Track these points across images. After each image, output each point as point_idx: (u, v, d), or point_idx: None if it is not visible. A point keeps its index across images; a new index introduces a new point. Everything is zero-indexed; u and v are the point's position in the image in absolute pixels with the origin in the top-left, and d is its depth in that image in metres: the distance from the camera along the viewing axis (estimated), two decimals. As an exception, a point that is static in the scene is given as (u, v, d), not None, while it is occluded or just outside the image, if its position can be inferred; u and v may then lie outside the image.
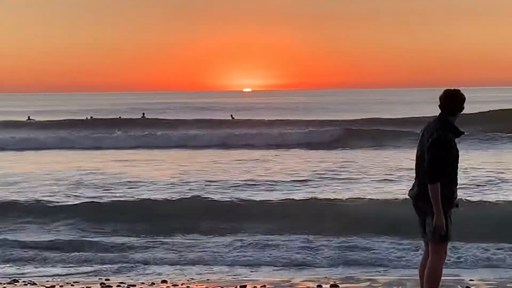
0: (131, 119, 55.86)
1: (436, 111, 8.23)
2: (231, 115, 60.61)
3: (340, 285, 11.09)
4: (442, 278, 8.17)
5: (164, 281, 11.87)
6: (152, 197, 19.85)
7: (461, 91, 8.12)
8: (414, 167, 8.26)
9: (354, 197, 19.17)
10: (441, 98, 8.08)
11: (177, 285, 11.38)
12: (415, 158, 8.23)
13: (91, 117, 60.39)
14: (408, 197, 8.34)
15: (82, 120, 56.21)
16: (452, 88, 8.11)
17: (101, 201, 19.45)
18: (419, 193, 8.11)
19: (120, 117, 59.28)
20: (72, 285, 11.54)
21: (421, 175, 8.08)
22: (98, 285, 11.41)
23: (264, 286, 11.16)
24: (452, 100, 8.05)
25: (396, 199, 18.04)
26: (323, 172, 24.95)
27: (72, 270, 13.41)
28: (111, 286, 11.29)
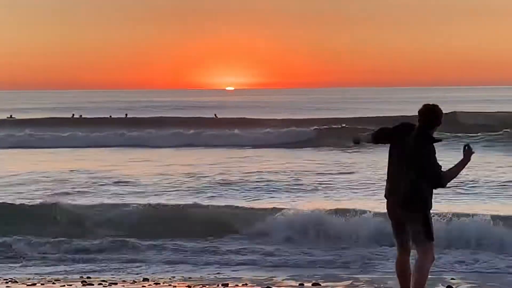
0: (115, 118, 55.94)
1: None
2: (215, 114, 60.67)
3: (322, 284, 11.11)
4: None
5: (145, 279, 11.85)
6: (133, 199, 19.80)
7: (439, 106, 8.17)
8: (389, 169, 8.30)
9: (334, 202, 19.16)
10: (421, 111, 8.13)
11: (159, 284, 11.36)
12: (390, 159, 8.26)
13: (74, 115, 60.24)
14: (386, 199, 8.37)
15: (65, 118, 56.14)
16: (431, 103, 8.19)
17: (78, 201, 19.31)
18: (401, 198, 8.13)
19: (110, 116, 59.41)
20: (53, 283, 11.50)
21: (405, 175, 8.11)
22: (80, 283, 11.38)
23: (246, 284, 11.17)
24: (433, 114, 8.11)
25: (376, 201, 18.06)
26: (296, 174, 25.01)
27: (53, 269, 13.37)
28: (93, 284, 11.26)
